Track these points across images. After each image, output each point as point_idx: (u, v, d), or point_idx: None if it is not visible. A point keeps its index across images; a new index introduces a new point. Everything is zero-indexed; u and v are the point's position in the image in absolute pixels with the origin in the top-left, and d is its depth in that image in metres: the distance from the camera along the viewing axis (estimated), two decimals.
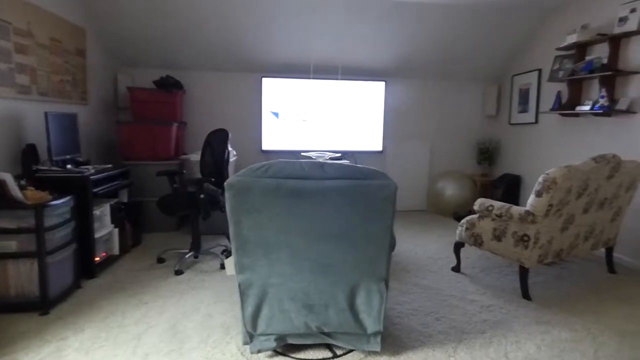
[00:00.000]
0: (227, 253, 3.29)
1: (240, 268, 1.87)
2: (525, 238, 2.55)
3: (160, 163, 3.92)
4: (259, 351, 1.94)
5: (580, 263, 3.35)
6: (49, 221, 2.34)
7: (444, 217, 4.94)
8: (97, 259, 2.91)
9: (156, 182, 3.65)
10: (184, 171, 3.91)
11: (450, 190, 4.93)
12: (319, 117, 4.88)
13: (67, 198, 2.53)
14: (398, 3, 3.95)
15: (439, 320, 2.33)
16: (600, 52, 3.55)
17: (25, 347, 1.98)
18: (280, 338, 1.95)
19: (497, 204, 2.73)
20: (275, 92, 4.77)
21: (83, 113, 3.77)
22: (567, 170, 2.43)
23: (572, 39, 3.68)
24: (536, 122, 4.49)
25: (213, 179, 3.13)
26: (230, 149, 3.51)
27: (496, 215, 2.71)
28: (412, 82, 5.14)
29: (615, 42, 3.38)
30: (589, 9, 3.75)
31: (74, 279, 2.62)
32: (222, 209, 3.13)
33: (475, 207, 2.86)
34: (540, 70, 4.41)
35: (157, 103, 4.17)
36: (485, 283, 2.90)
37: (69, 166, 2.96)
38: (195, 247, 3.23)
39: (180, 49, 4.38)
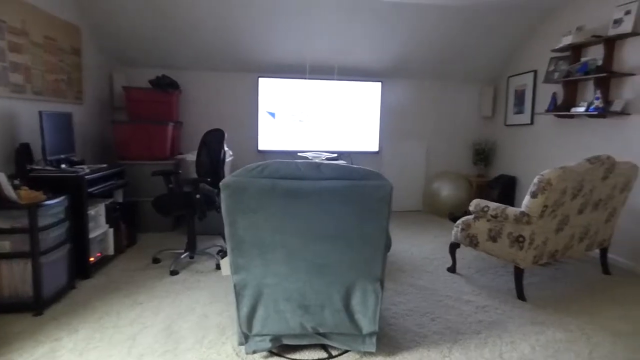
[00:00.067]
0: (222, 253, 3.28)
1: (235, 268, 1.86)
2: (521, 239, 2.56)
3: (156, 163, 3.91)
4: (254, 352, 1.94)
5: (575, 264, 3.37)
6: (42, 221, 2.32)
7: (439, 218, 4.95)
8: (91, 259, 2.89)
9: (152, 182, 3.64)
10: (180, 171, 3.89)
11: (446, 190, 4.95)
12: (316, 118, 4.88)
13: (62, 198, 2.51)
14: (394, 4, 3.96)
15: (434, 321, 2.33)
16: (595, 54, 3.57)
17: (19, 348, 1.97)
18: (275, 339, 1.95)
19: (493, 204, 2.74)
20: (272, 92, 4.76)
21: (78, 112, 3.75)
22: (562, 171, 2.44)
23: (568, 40, 3.70)
24: (532, 123, 4.51)
25: (209, 179, 3.12)
26: (226, 149, 3.50)
27: (491, 216, 2.72)
28: (409, 82, 5.15)
29: (610, 43, 3.40)
30: (584, 10, 3.77)
31: (68, 279, 2.60)
32: (218, 209, 3.12)
33: (471, 208, 2.87)
34: (535, 72, 4.44)
35: (153, 103, 4.15)
36: (480, 284, 2.90)
37: (63, 166, 2.95)
38: (191, 248, 3.22)
39: (176, 49, 4.37)
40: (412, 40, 4.50)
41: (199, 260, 3.26)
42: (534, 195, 2.47)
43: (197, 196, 3.01)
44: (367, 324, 1.92)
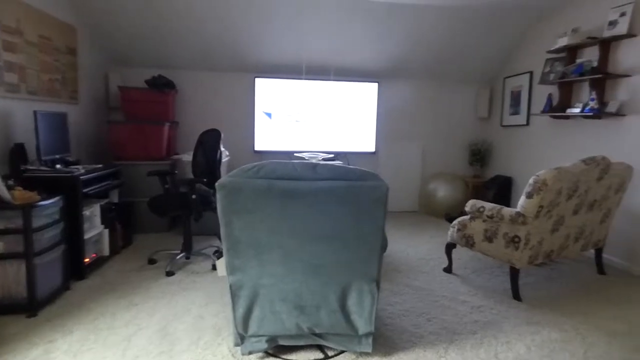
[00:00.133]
0: (219, 254, 3.27)
1: (231, 269, 1.86)
2: (516, 239, 2.57)
3: (151, 163, 3.89)
4: (250, 353, 1.93)
5: (570, 264, 3.39)
6: (37, 222, 2.30)
7: (436, 218, 4.96)
8: (86, 260, 2.87)
9: (147, 182, 3.63)
10: (176, 171, 3.88)
11: (443, 191, 4.96)
12: (312, 118, 4.88)
13: (56, 198, 2.50)
14: (391, 4, 3.96)
15: (430, 321, 2.33)
16: (590, 55, 3.59)
17: (12, 350, 1.95)
18: (271, 339, 1.94)
19: (489, 205, 2.75)
20: (269, 92, 4.76)
21: (73, 112, 3.73)
22: (558, 172, 2.45)
23: (563, 42, 3.72)
24: (527, 124, 4.53)
25: (205, 180, 3.11)
26: (222, 149, 3.49)
27: (487, 216, 2.73)
28: (405, 83, 5.16)
29: (605, 45, 3.42)
30: (579, 12, 3.79)
31: (63, 280, 2.58)
32: (214, 209, 3.12)
33: (467, 209, 2.88)
34: (531, 73, 4.45)
35: (148, 102, 4.13)
36: (476, 284, 2.91)
37: (58, 166, 2.93)
38: (187, 248, 3.21)
39: (172, 48, 4.35)
40: (409, 41, 4.51)
41: (195, 261, 3.25)
42: (529, 195, 2.47)
43: (193, 197, 3.00)
44: (363, 325, 1.92)
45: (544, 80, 4.11)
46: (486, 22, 4.31)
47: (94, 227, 3.04)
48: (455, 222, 3.01)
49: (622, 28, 3.22)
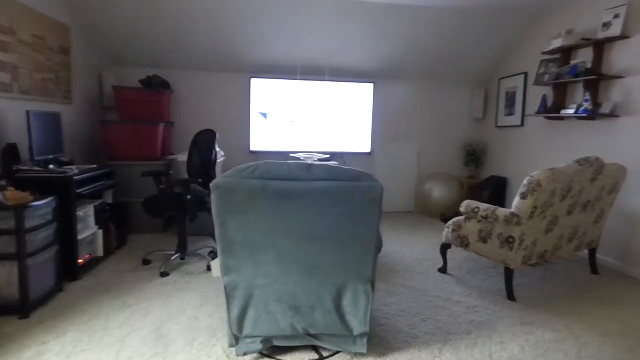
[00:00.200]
0: (214, 255, 3.26)
1: (226, 270, 1.85)
2: (511, 240, 2.58)
3: (146, 163, 3.87)
4: (244, 354, 1.92)
5: (564, 264, 3.40)
6: (30, 222, 2.28)
7: (431, 219, 4.97)
8: (80, 261, 2.85)
9: (142, 182, 3.60)
10: (171, 172, 3.85)
11: (438, 192, 4.97)
12: (308, 118, 4.87)
13: (50, 199, 2.48)
14: (387, 5, 3.97)
15: (425, 322, 2.34)
16: (584, 57, 3.61)
17: (4, 352, 1.93)
18: (266, 340, 1.94)
19: (483, 206, 2.76)
20: (264, 92, 4.75)
21: (67, 112, 3.70)
22: (552, 172, 2.46)
23: (558, 43, 3.74)
24: (522, 125, 4.55)
25: (200, 180, 3.10)
26: (218, 149, 3.48)
27: (482, 217, 2.74)
28: (401, 84, 5.17)
29: (599, 47, 3.44)
30: (574, 14, 3.82)
31: (56, 281, 2.56)
32: (210, 210, 3.10)
33: (462, 209, 2.89)
34: (526, 74, 4.48)
35: (143, 103, 4.11)
36: (471, 284, 2.92)
37: (51, 166, 2.91)
38: (182, 249, 3.19)
39: (168, 48, 4.34)
40: (405, 42, 4.52)
41: (190, 262, 3.24)
42: (523, 196, 2.48)
43: (188, 197, 2.99)
44: (358, 325, 1.92)
45: (538, 82, 4.13)
46: (482, 24, 4.33)
47: (88, 227, 3.02)
48: (450, 222, 3.02)
49: (615, 30, 3.24)
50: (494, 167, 5.08)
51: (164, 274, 2.93)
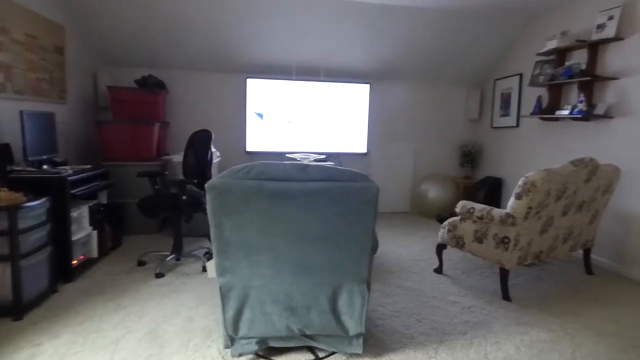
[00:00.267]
0: (209, 255, 3.25)
1: (221, 270, 1.84)
2: (506, 240, 2.59)
3: (141, 164, 3.85)
4: (240, 355, 1.92)
5: (559, 264, 3.42)
6: (23, 223, 2.26)
7: (427, 219, 4.98)
8: (74, 262, 2.83)
9: (137, 183, 3.59)
10: (166, 172, 3.84)
11: (434, 192, 4.98)
12: (304, 119, 4.87)
13: (43, 200, 2.46)
14: (383, 6, 3.97)
15: (420, 322, 2.34)
16: (579, 58, 3.63)
17: None
18: (261, 341, 1.93)
19: (479, 206, 2.77)
20: (260, 93, 4.74)
21: (61, 112, 3.68)
22: (547, 173, 2.47)
23: (552, 44, 3.76)
24: (517, 125, 4.57)
25: (196, 181, 3.08)
26: (213, 149, 3.47)
27: (477, 217, 2.74)
28: (397, 85, 5.18)
29: (594, 48, 3.46)
30: (568, 15, 3.84)
31: (50, 283, 2.54)
32: (205, 210, 3.09)
33: (457, 210, 2.89)
34: (521, 75, 4.50)
35: (138, 103, 4.09)
36: (466, 284, 2.93)
37: (45, 166, 2.88)
38: (177, 250, 3.18)
39: (163, 48, 4.32)
40: (400, 43, 4.52)
41: (185, 263, 3.22)
42: (518, 196, 2.49)
43: (184, 198, 2.98)
44: (353, 326, 1.92)
45: (533, 83, 4.15)
46: (477, 25, 4.34)
47: (82, 228, 3.00)
48: (445, 223, 3.02)
49: (609, 31, 3.26)
50: (490, 168, 5.10)
51: (159, 275, 2.91)
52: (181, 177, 3.12)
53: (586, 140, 3.61)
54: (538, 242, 2.70)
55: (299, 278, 1.86)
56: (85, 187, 3.00)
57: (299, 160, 4.25)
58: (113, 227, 3.44)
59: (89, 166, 3.24)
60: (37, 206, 2.40)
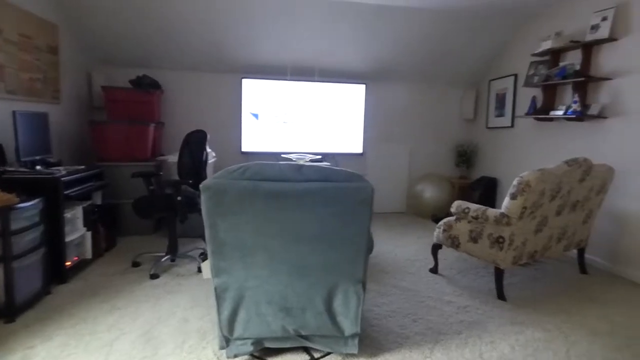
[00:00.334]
0: (204, 256, 3.24)
1: (216, 271, 1.83)
2: (501, 240, 2.59)
3: (136, 164, 3.83)
4: (235, 356, 1.91)
5: (553, 264, 3.44)
6: (16, 224, 2.24)
7: (422, 219, 4.99)
8: (68, 263, 2.81)
9: (132, 183, 3.57)
10: (161, 173, 3.82)
11: (429, 192, 4.99)
12: (300, 119, 4.86)
13: (36, 200, 2.44)
14: (378, 7, 3.98)
15: (416, 322, 2.34)
16: (573, 59, 3.65)
17: None
18: (257, 342, 1.92)
19: (474, 206, 2.77)
20: (256, 93, 4.73)
21: (55, 112, 3.65)
22: (541, 173, 2.49)
23: (547, 45, 3.78)
24: (512, 126, 4.59)
25: (191, 181, 3.07)
26: (209, 150, 3.45)
27: (472, 217, 2.75)
28: (393, 85, 5.19)
29: (588, 49, 3.49)
30: (562, 16, 3.86)
31: (43, 284, 2.52)
32: (200, 211, 3.08)
33: (453, 210, 2.90)
34: (516, 76, 4.52)
35: (133, 103, 4.07)
36: (461, 284, 2.93)
37: (38, 167, 2.86)
38: (172, 250, 3.16)
39: (158, 48, 4.30)
40: (396, 43, 4.53)
41: (180, 264, 3.21)
42: (513, 196, 2.50)
43: (179, 198, 2.96)
44: (349, 326, 1.92)
45: (528, 83, 4.17)
46: (472, 25, 4.36)
47: (76, 229, 2.98)
48: (441, 223, 3.03)
49: (603, 32, 3.28)
50: (485, 168, 5.12)
51: (153, 276, 2.90)
52: (176, 177, 3.11)
53: (580, 141, 3.63)
54: (532, 242, 2.71)
55: (294, 279, 1.85)
56: (79, 187, 2.98)
57: (294, 161, 4.25)
58: (107, 228, 3.42)
59: (83, 167, 3.22)
60: (30, 207, 2.38)
